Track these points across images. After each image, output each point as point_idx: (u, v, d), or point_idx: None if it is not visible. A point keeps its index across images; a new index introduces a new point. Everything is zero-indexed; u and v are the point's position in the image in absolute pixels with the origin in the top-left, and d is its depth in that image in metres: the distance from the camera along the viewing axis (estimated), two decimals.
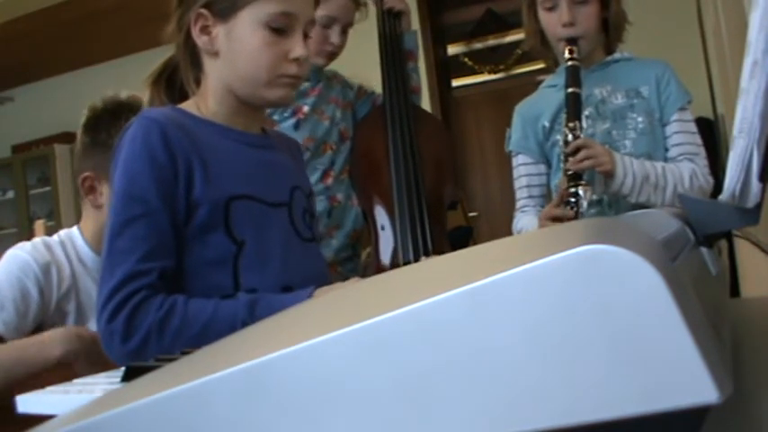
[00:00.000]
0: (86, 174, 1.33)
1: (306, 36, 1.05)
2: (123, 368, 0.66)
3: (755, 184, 0.50)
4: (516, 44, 4.20)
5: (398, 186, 1.65)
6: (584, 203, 1.33)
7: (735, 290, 2.05)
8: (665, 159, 1.47)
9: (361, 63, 1.83)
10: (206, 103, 1.06)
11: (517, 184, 1.59)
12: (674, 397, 0.21)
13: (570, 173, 1.35)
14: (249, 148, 1.07)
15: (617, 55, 1.54)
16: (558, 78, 1.54)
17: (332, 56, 1.70)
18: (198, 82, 1.08)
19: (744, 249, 1.79)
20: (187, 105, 1.07)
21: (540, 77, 1.66)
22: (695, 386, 0.21)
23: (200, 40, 1.03)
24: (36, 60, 4.85)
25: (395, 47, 1.80)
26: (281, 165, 1.12)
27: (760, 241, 1.46)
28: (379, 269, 1.60)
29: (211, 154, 1.00)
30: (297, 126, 1.66)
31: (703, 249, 0.52)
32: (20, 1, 4.13)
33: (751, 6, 0.47)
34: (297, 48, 1.02)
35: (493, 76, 4.51)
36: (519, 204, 1.59)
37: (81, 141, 1.35)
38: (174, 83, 1.12)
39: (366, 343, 0.25)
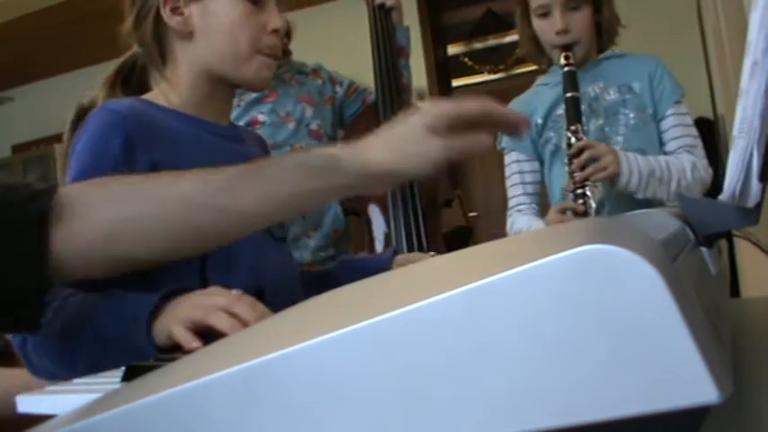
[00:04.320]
0: None
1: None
2: (123, 368, 0.66)
3: (755, 184, 0.50)
4: (516, 44, 4.19)
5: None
6: (593, 203, 1.33)
7: (735, 290, 2.05)
8: (663, 153, 1.46)
9: (353, 60, 1.81)
10: (175, 92, 1.01)
11: (510, 181, 1.57)
12: (674, 397, 0.21)
13: (576, 175, 1.34)
14: (221, 140, 1.02)
15: (609, 52, 1.54)
16: (551, 77, 1.54)
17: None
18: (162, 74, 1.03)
19: (744, 249, 1.79)
20: (153, 96, 1.02)
21: (540, 77, 1.67)
22: (695, 386, 0.21)
23: (173, 21, 0.99)
24: (36, 60, 4.85)
25: (386, 42, 1.78)
26: (252, 159, 1.06)
27: (760, 241, 1.46)
28: None
29: (180, 146, 0.95)
30: None
31: (703, 249, 0.52)
32: (20, 1, 4.13)
33: (751, 6, 0.47)
34: (274, 19, 1.00)
35: (493, 76, 4.51)
36: (513, 203, 1.56)
37: (68, 139, 1.36)
38: (128, 84, 1.09)
39: (365, 343, 0.25)
